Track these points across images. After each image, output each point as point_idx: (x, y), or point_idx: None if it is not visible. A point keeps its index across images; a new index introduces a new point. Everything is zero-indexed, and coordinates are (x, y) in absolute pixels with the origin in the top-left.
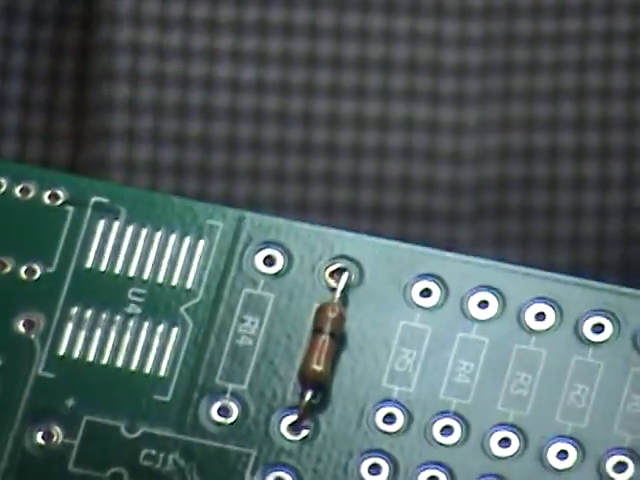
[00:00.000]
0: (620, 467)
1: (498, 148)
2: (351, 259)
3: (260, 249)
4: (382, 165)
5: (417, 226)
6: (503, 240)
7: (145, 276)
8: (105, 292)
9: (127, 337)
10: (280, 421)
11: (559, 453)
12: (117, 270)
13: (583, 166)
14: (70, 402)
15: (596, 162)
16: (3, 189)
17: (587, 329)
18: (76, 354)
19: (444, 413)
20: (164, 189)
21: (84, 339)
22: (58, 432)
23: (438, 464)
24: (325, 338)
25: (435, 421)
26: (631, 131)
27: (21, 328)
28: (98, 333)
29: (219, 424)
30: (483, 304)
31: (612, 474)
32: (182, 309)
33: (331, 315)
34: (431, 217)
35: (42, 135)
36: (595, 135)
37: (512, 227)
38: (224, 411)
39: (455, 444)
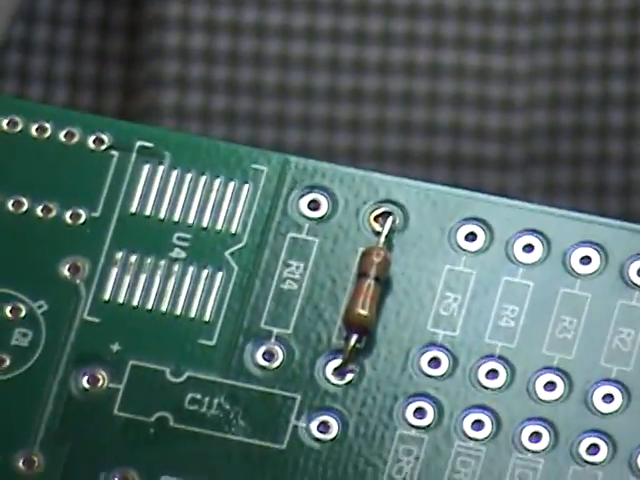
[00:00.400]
0: (609, 398)
1: (549, 96)
2: (396, 203)
3: (305, 193)
4: (433, 113)
5: (468, 174)
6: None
7: (190, 221)
8: (150, 237)
9: (172, 282)
10: (325, 365)
11: (604, 397)
12: (162, 215)
13: (634, 114)
14: (115, 347)
15: None
16: (48, 134)
17: (633, 273)
18: (121, 299)
19: (489, 357)
20: (214, 136)
21: (129, 284)
22: (103, 376)
23: (483, 408)
24: (370, 282)
25: (480, 365)
26: None
27: (66, 273)
28: (143, 278)
29: (264, 368)
30: (528, 248)
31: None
32: (227, 254)
33: (376, 259)
34: (482, 164)
35: (93, 83)
36: None
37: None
38: (269, 355)
39: (500, 388)
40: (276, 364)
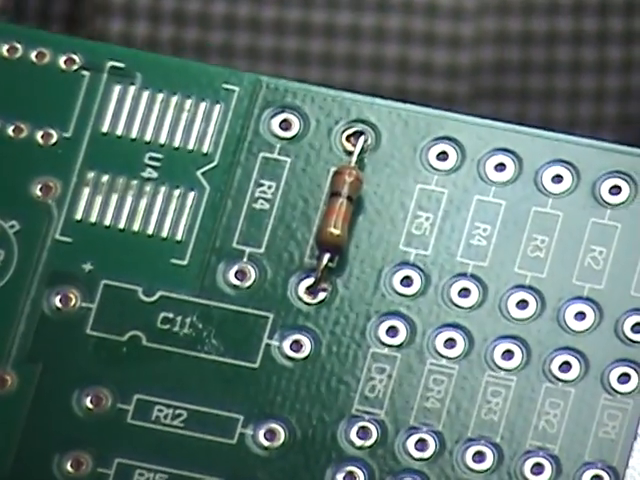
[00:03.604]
0: (638, 328)
1: (496, 32)
2: (367, 122)
3: (276, 113)
4: (379, 47)
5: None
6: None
7: (161, 141)
8: (121, 157)
9: (144, 201)
10: (297, 284)
11: (576, 314)
12: (133, 135)
13: (581, 50)
14: (87, 266)
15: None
16: (19, 54)
17: (604, 191)
18: (93, 219)
19: (461, 275)
20: None
21: (101, 204)
22: (76, 296)
23: (455, 326)
24: (342, 201)
25: (452, 283)
26: (630, 17)
27: (38, 193)
28: (115, 197)
29: (236, 287)
30: (500, 167)
31: (630, 335)
32: (199, 173)
33: (348, 179)
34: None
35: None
36: (593, 20)
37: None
38: (241, 274)
39: (472, 306)
40: (248, 283)
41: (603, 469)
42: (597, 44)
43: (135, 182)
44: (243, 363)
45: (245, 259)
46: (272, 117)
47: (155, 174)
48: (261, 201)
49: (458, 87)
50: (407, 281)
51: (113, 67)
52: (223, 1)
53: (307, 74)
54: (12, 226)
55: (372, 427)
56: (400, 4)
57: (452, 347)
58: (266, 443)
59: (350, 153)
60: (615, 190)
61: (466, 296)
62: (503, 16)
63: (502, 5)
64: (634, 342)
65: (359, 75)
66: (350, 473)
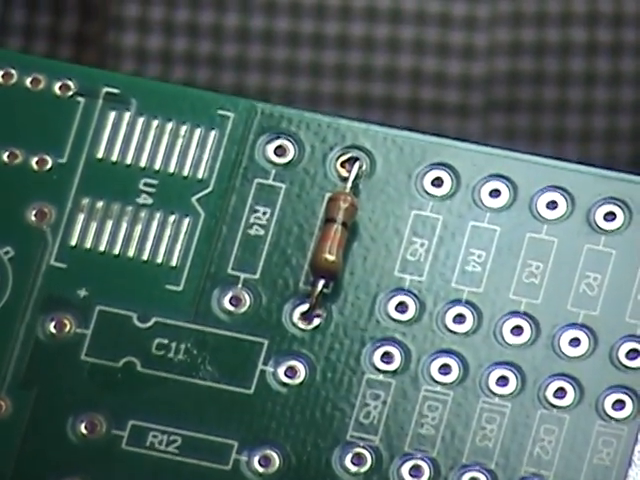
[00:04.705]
0: (633, 354)
1: (510, 42)
2: (362, 149)
3: (271, 139)
4: (394, 58)
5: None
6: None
7: (156, 167)
8: (116, 183)
9: (139, 227)
10: (292, 310)
11: (571, 341)
12: (128, 161)
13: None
14: (82, 292)
15: (607, 58)
16: (14, 80)
17: (599, 217)
18: (88, 244)
19: (456, 302)
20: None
21: (96, 229)
22: (70, 322)
23: (450, 352)
24: (337, 227)
25: (447, 310)
26: None
27: (33, 219)
28: (110, 223)
29: (231, 313)
30: (494, 193)
31: (625, 361)
32: (194, 199)
33: (343, 205)
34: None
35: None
36: (607, 32)
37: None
38: (236, 300)
39: (467, 332)
40: (243, 309)
41: None
42: (611, 55)
43: (130, 208)
44: (238, 389)
45: (240, 285)
46: (267, 143)
47: (150, 200)
48: (256, 227)
49: (471, 98)
50: (402, 307)
51: (108, 93)
52: (236, 13)
53: (320, 85)
54: (7, 252)
55: (367, 453)
56: (414, 15)
57: (447, 373)
58: (261, 469)
59: (345, 179)
60: (610, 216)
61: (461, 322)
62: (516, 27)
63: (515, 16)
64: (629, 368)
65: (373, 87)
66: None
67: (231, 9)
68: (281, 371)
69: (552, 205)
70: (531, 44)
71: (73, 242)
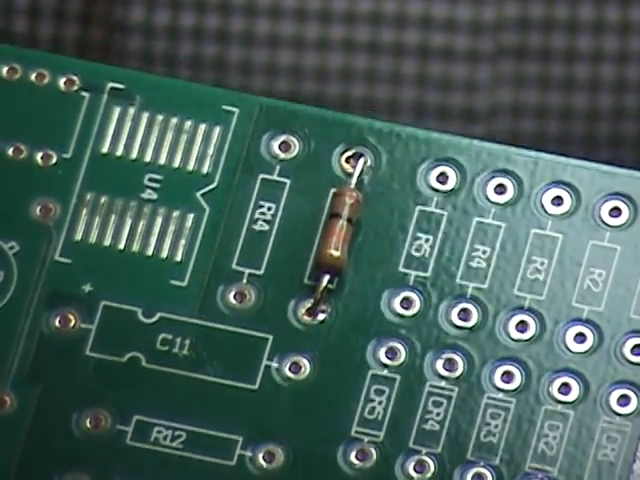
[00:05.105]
0: (637, 350)
1: (515, 46)
2: (367, 144)
3: (276, 134)
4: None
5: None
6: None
7: (161, 162)
8: (121, 178)
9: (143, 222)
10: (297, 306)
11: (576, 337)
12: (133, 156)
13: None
14: (87, 287)
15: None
16: (18, 75)
17: (604, 213)
18: (93, 240)
19: (461, 297)
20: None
21: (100, 225)
22: (75, 317)
23: (455, 348)
24: (342, 223)
25: (451, 305)
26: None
27: (37, 214)
28: (114, 218)
29: (236, 309)
30: (499, 189)
31: (629, 357)
32: (198, 195)
33: (348, 200)
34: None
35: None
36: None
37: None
38: (240, 296)
39: (472, 328)
40: (248, 305)
41: None
42: (617, 63)
43: (135, 203)
44: (242, 384)
45: (245, 280)
46: (272, 139)
47: (155, 195)
48: (261, 222)
49: (476, 102)
50: (406, 303)
51: (113, 88)
52: (241, 17)
53: (325, 89)
54: (12, 247)
55: (371, 449)
56: (419, 19)
57: (451, 369)
58: (265, 465)
59: (350, 175)
60: (615, 212)
61: (465, 318)
62: (523, 31)
63: (522, 20)
64: (633, 364)
65: (378, 90)
66: None
67: (236, 13)
68: (286, 366)
69: (557, 201)
70: (536, 48)
71: (78, 237)
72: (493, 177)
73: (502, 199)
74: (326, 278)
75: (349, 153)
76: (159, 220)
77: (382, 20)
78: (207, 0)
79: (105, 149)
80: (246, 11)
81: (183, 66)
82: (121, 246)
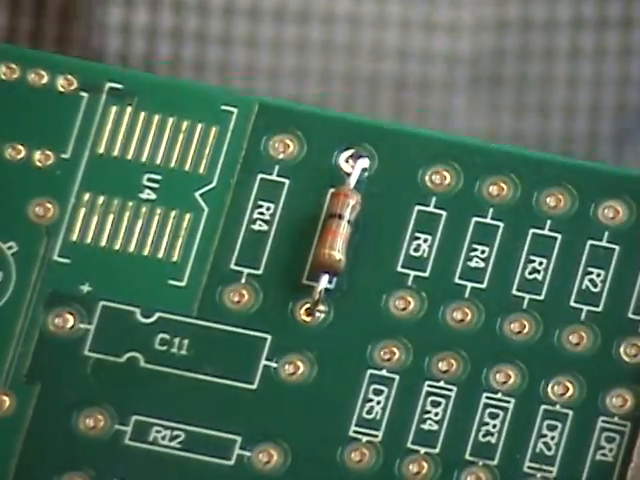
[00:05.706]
0: (635, 351)
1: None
2: (367, 144)
3: (275, 134)
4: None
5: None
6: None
7: (159, 162)
8: (120, 178)
9: (141, 222)
10: (296, 306)
11: (574, 337)
12: (131, 156)
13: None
14: (85, 287)
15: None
16: (16, 75)
17: (602, 213)
18: (91, 240)
19: (459, 297)
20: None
21: (99, 225)
22: (74, 317)
23: (453, 348)
24: (340, 223)
25: (450, 305)
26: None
27: (36, 214)
28: (113, 219)
29: (235, 309)
30: (499, 188)
31: (627, 358)
32: (197, 194)
33: (347, 200)
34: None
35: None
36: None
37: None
38: (239, 296)
39: (469, 328)
40: (247, 305)
41: None
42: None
43: (133, 203)
44: (241, 384)
45: (243, 280)
46: (271, 138)
47: (153, 195)
48: (259, 222)
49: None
50: (405, 302)
51: (111, 88)
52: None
53: (329, 91)
54: (10, 247)
55: (370, 449)
56: (422, 24)
57: (450, 369)
58: (264, 464)
59: (349, 175)
60: (613, 212)
61: (463, 318)
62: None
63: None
64: (632, 365)
65: (381, 94)
66: None
67: (240, 16)
68: (284, 366)
69: (555, 201)
70: (540, 48)
71: (76, 237)
72: (493, 177)
73: (501, 199)
74: (325, 278)
75: (348, 153)
76: (158, 220)
77: (386, 23)
78: (209, 4)
79: (104, 149)
80: (249, 14)
81: (187, 69)
82: (120, 246)
